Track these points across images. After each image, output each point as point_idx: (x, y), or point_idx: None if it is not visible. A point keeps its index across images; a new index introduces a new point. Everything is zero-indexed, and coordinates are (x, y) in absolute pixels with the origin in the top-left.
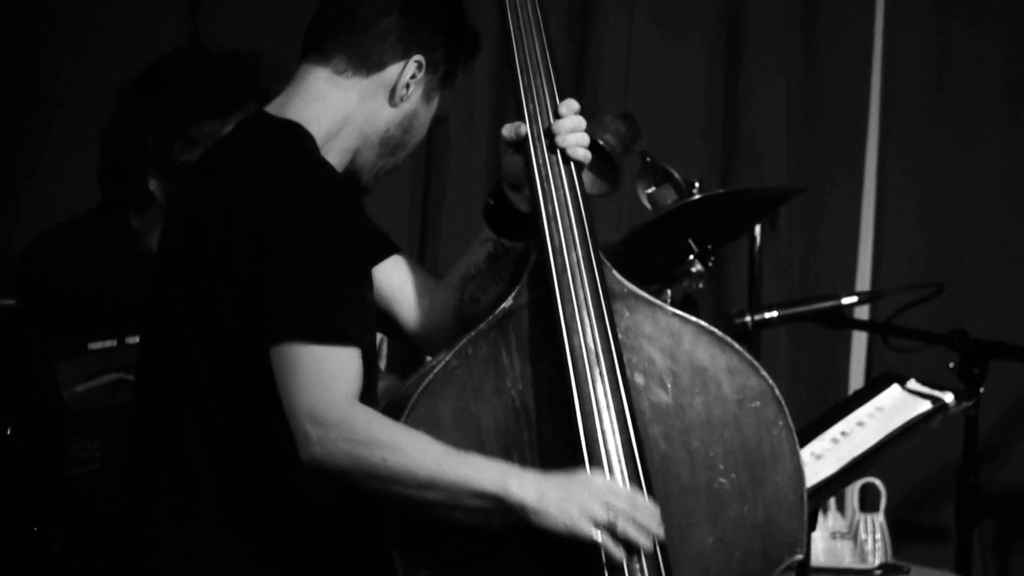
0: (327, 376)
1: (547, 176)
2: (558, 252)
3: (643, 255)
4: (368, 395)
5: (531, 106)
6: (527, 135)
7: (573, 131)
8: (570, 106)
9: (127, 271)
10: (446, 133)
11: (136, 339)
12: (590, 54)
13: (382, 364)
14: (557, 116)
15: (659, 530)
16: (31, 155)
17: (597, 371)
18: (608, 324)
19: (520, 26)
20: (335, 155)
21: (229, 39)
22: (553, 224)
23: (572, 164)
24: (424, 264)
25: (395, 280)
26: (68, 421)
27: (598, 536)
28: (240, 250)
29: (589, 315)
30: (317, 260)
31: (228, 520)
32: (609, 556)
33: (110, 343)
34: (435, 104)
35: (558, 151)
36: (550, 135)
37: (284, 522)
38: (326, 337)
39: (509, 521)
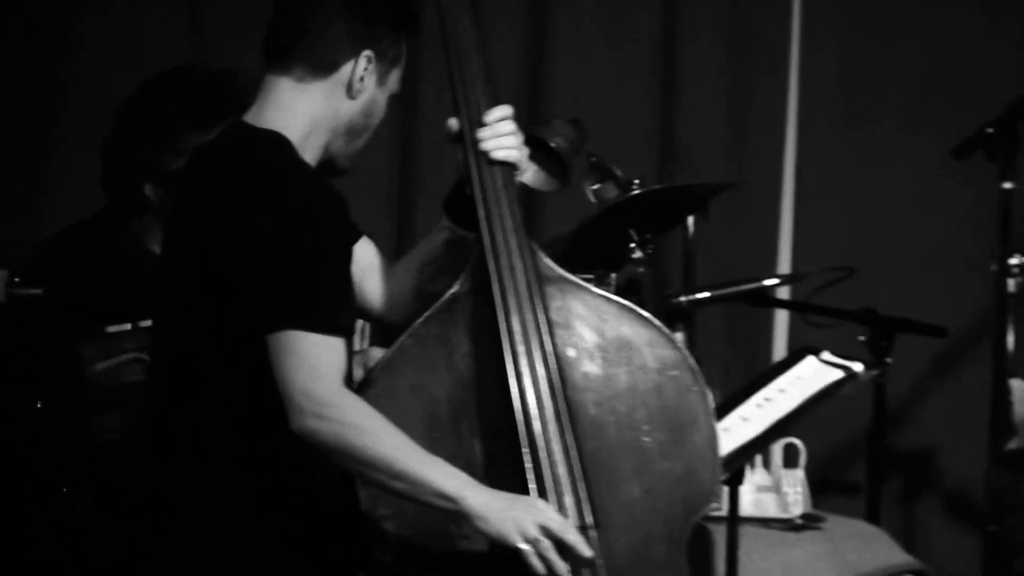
0: (321, 362)
1: (483, 174)
2: (495, 243)
3: (591, 244)
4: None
5: (465, 111)
6: (462, 135)
7: (494, 136)
8: (495, 114)
9: (127, 267)
10: (418, 133)
11: (147, 323)
12: (544, 67)
13: (365, 342)
14: (485, 123)
15: (585, 552)
16: (51, 167)
17: (530, 346)
18: (541, 305)
19: (456, 38)
20: (311, 153)
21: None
22: (490, 218)
23: (505, 164)
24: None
25: (362, 263)
26: (90, 396)
27: (523, 547)
28: (241, 252)
29: (522, 298)
30: (312, 259)
31: (232, 483)
32: (531, 566)
33: (125, 326)
34: (389, 84)
35: (480, 151)
36: (482, 138)
37: (281, 484)
38: (321, 327)
39: (455, 519)
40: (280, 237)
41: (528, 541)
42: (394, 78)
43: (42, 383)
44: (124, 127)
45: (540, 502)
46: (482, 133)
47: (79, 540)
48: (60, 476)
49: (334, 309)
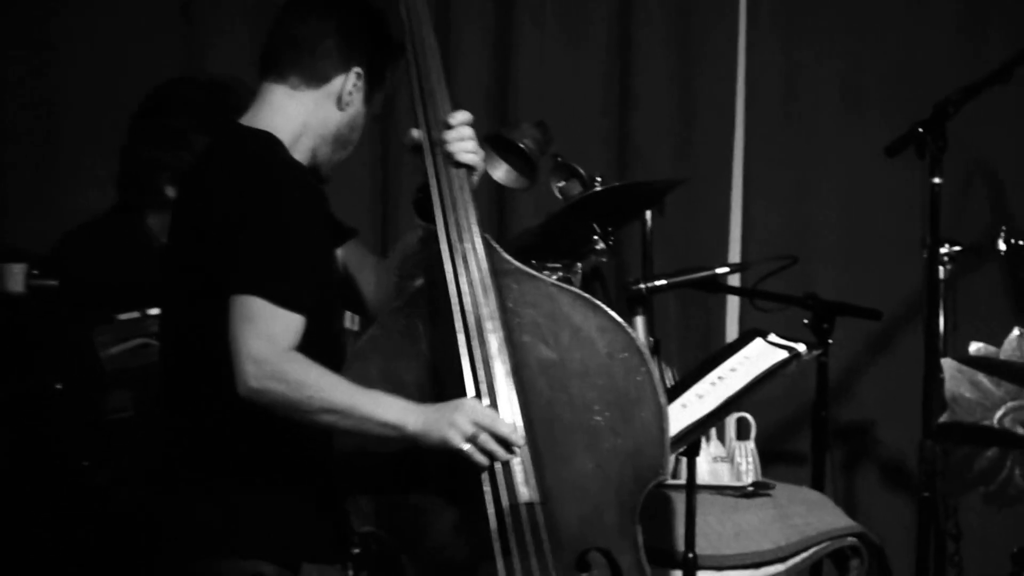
0: (275, 331)
1: (442, 176)
2: (451, 241)
3: (557, 236)
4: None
5: (427, 115)
6: (423, 142)
7: (457, 139)
8: (458, 118)
9: (140, 259)
10: (397, 138)
11: (155, 311)
12: (511, 73)
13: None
14: (448, 127)
15: (518, 440)
16: (66, 166)
17: (482, 331)
18: (494, 293)
19: (416, 48)
20: (299, 155)
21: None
22: (446, 217)
23: (463, 166)
24: (383, 251)
25: (352, 260)
26: (105, 377)
27: (464, 446)
28: (229, 228)
29: (475, 284)
30: (283, 237)
31: (234, 455)
32: (475, 462)
33: (135, 314)
34: (373, 104)
35: (446, 153)
36: (442, 142)
37: (278, 455)
38: (282, 299)
39: (403, 445)
40: (257, 212)
41: (467, 439)
42: (377, 100)
43: (60, 366)
44: (142, 132)
45: (469, 400)
46: (447, 135)
47: (98, 508)
48: (79, 450)
49: (296, 285)
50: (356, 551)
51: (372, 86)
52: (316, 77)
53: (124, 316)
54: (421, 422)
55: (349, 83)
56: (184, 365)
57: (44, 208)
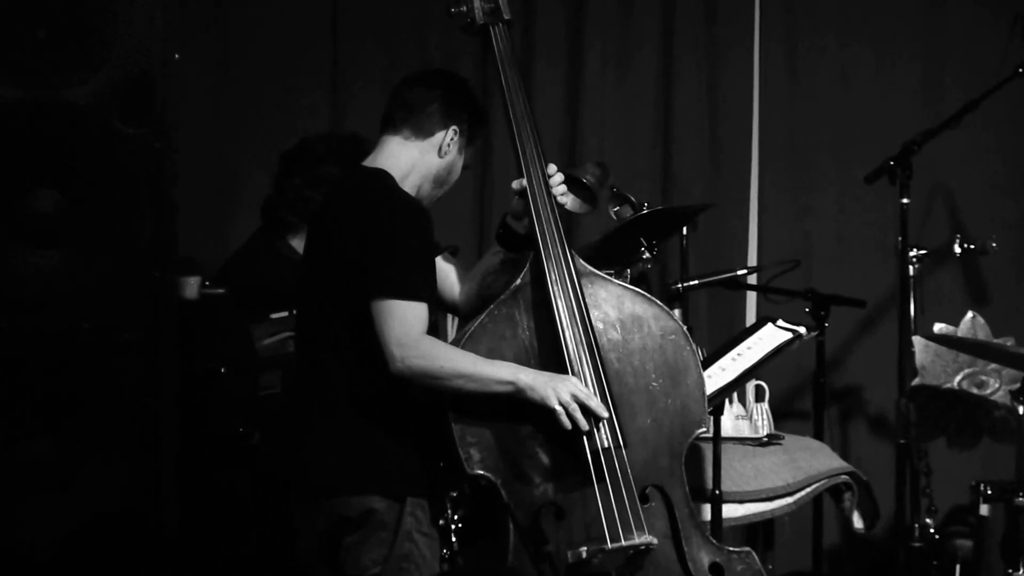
0: (407, 319)
1: (542, 209)
2: (548, 250)
3: (613, 249)
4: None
5: (529, 169)
6: (528, 188)
7: (558, 184)
8: (551, 169)
9: (285, 270)
10: (492, 179)
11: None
12: (579, 124)
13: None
14: (547, 175)
15: (603, 413)
16: (232, 192)
17: (573, 320)
18: (579, 291)
19: (517, 119)
20: (408, 190)
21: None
22: (545, 235)
23: (555, 201)
24: (478, 254)
25: (443, 271)
26: (259, 363)
27: (557, 407)
28: (358, 244)
29: (567, 286)
30: (406, 246)
31: (354, 418)
32: (560, 422)
33: (284, 313)
34: (465, 155)
35: (548, 195)
36: (548, 186)
37: (389, 417)
38: (411, 294)
39: (517, 399)
40: (383, 229)
41: (560, 403)
42: (469, 152)
43: (225, 354)
44: (299, 175)
45: (573, 378)
46: (553, 180)
47: (251, 465)
48: (237, 419)
49: (419, 282)
50: (454, 493)
51: (465, 140)
52: (423, 131)
53: (275, 315)
54: (531, 378)
55: (448, 137)
56: (315, 352)
57: (215, 228)
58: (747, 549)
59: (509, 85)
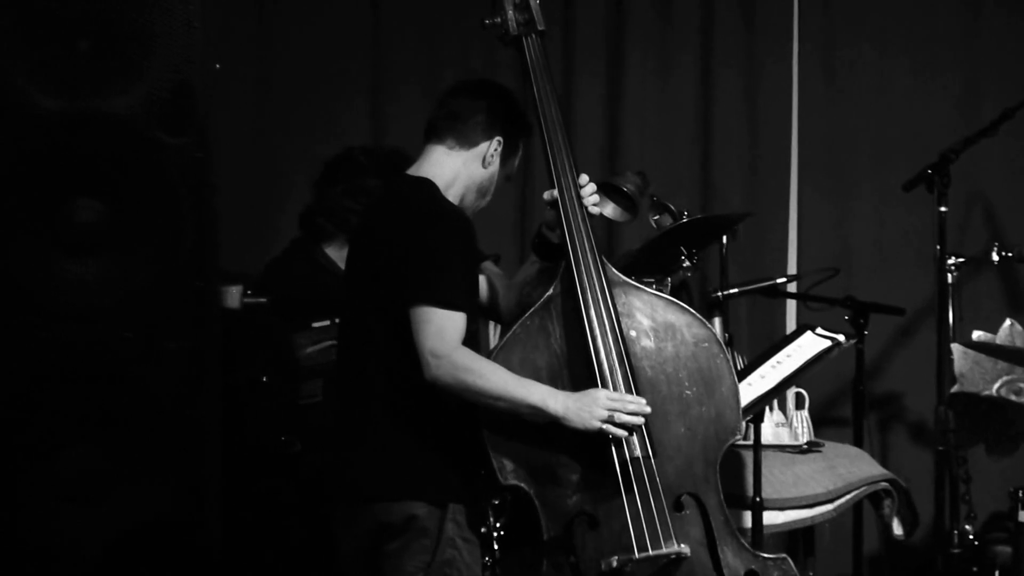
0: (443, 329)
1: (572, 219)
2: (579, 260)
3: (654, 257)
4: (472, 344)
5: (560, 180)
6: (559, 198)
7: (590, 194)
8: (583, 180)
9: (325, 279)
10: (533, 187)
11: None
12: (619, 132)
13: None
14: (578, 186)
15: (644, 408)
16: (268, 211)
17: (604, 330)
18: (611, 301)
19: (549, 130)
20: (451, 199)
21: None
22: (576, 245)
23: (587, 211)
24: (519, 262)
25: (486, 279)
26: (300, 372)
27: (604, 426)
28: (400, 252)
29: (597, 296)
30: (445, 254)
31: (396, 426)
32: (613, 435)
33: (326, 322)
34: (508, 167)
35: (580, 205)
36: (579, 196)
37: (430, 425)
38: (449, 303)
39: (548, 422)
40: (423, 237)
41: (604, 421)
42: (511, 163)
43: (267, 363)
44: (340, 186)
45: (598, 391)
46: (584, 191)
47: (294, 474)
48: (280, 427)
49: (458, 292)
50: (496, 501)
51: (508, 151)
52: (467, 141)
53: (317, 324)
54: (561, 407)
55: (491, 147)
56: (356, 361)
57: (257, 236)
58: (783, 556)
59: (541, 96)
